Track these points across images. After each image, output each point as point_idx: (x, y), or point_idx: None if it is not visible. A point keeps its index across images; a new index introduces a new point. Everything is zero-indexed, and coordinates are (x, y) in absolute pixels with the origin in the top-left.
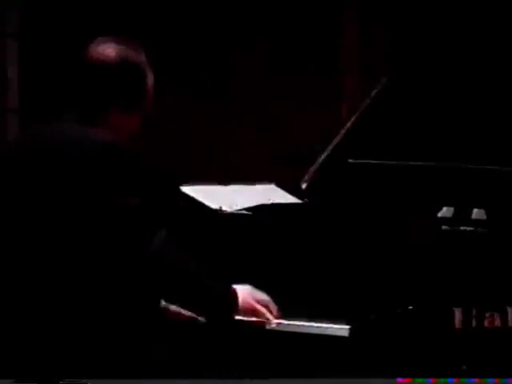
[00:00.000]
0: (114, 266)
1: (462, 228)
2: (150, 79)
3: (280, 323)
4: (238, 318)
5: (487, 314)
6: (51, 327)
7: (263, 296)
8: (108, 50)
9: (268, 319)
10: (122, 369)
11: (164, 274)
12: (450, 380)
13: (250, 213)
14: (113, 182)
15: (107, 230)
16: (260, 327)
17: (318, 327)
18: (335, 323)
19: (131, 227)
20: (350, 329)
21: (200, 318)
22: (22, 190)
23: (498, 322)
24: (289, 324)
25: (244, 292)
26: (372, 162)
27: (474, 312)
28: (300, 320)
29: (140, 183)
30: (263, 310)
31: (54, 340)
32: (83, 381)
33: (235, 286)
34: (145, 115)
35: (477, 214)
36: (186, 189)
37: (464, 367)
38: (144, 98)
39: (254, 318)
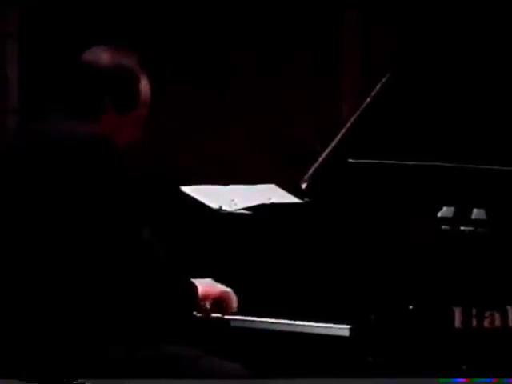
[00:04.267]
0: (106, 258)
1: (461, 228)
2: (144, 84)
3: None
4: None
5: (487, 314)
6: (52, 325)
7: (223, 287)
8: (102, 54)
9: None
10: (124, 368)
11: (149, 265)
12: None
13: (250, 212)
14: (100, 172)
15: (96, 222)
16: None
17: (318, 327)
18: (336, 323)
19: (119, 218)
20: (350, 328)
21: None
22: (14, 185)
23: (498, 322)
24: (290, 324)
25: (204, 284)
26: (372, 161)
27: (474, 312)
28: (301, 320)
29: (126, 176)
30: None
31: (55, 339)
32: (86, 381)
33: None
34: (141, 121)
35: (477, 213)
36: (186, 189)
37: (464, 367)
38: (137, 101)
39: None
